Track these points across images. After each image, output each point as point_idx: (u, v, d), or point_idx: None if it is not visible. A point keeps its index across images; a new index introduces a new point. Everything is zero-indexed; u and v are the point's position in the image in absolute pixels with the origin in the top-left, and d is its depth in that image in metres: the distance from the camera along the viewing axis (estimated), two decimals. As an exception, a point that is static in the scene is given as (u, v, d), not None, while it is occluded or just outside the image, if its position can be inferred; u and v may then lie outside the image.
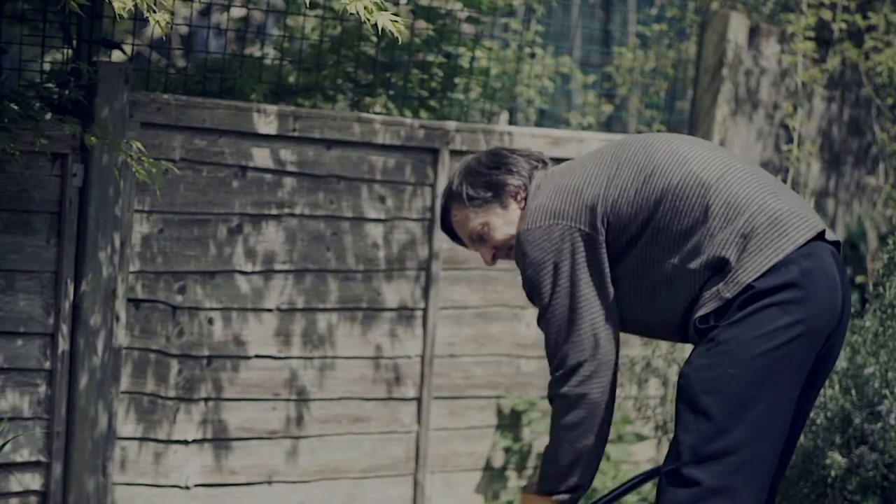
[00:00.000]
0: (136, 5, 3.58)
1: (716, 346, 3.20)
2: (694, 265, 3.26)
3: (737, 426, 3.17)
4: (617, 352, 3.38)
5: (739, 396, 3.17)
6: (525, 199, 3.51)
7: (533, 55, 6.03)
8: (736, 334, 3.18)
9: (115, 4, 3.56)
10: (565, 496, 3.42)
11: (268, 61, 5.50)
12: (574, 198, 3.36)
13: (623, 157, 3.39)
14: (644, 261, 3.33)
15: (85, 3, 3.69)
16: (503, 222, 3.52)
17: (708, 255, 3.24)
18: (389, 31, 3.65)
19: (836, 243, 3.33)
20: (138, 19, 4.61)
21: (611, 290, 3.36)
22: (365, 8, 3.64)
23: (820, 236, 3.28)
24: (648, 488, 5.17)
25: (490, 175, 3.52)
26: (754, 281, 3.18)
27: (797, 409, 3.31)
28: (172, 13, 3.74)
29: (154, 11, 3.61)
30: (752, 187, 3.28)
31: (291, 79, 5.31)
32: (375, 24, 3.65)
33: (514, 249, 3.50)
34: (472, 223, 3.55)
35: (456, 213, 3.57)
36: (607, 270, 3.35)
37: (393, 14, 3.67)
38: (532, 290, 3.40)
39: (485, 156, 3.58)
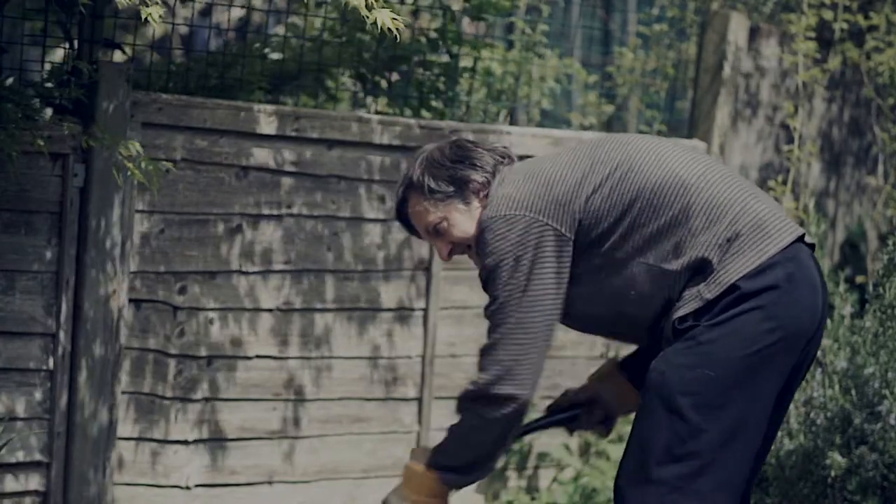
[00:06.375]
0: None
1: (696, 346, 3.15)
2: (674, 266, 3.19)
3: (712, 428, 3.13)
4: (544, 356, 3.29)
5: (717, 399, 3.13)
6: (487, 195, 3.38)
7: (540, 56, 6.02)
8: (718, 336, 3.13)
9: None
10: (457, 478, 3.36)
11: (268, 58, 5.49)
12: (544, 190, 3.25)
13: (598, 155, 3.29)
14: (612, 259, 3.24)
15: None
16: (463, 219, 3.40)
17: (690, 255, 3.17)
18: (388, 28, 3.58)
19: (812, 245, 3.29)
20: (136, 19, 4.60)
21: (564, 291, 3.25)
22: (366, 4, 3.60)
23: (799, 238, 3.23)
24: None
25: (453, 169, 3.39)
26: (738, 281, 3.13)
27: (774, 412, 3.26)
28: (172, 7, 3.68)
29: (147, 5, 3.57)
30: (732, 188, 3.23)
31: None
32: (375, 22, 3.58)
33: (471, 245, 3.40)
34: (431, 217, 3.42)
35: (415, 205, 3.44)
36: (566, 270, 3.25)
37: (392, 13, 3.62)
38: (488, 280, 3.28)
39: (448, 148, 3.44)
